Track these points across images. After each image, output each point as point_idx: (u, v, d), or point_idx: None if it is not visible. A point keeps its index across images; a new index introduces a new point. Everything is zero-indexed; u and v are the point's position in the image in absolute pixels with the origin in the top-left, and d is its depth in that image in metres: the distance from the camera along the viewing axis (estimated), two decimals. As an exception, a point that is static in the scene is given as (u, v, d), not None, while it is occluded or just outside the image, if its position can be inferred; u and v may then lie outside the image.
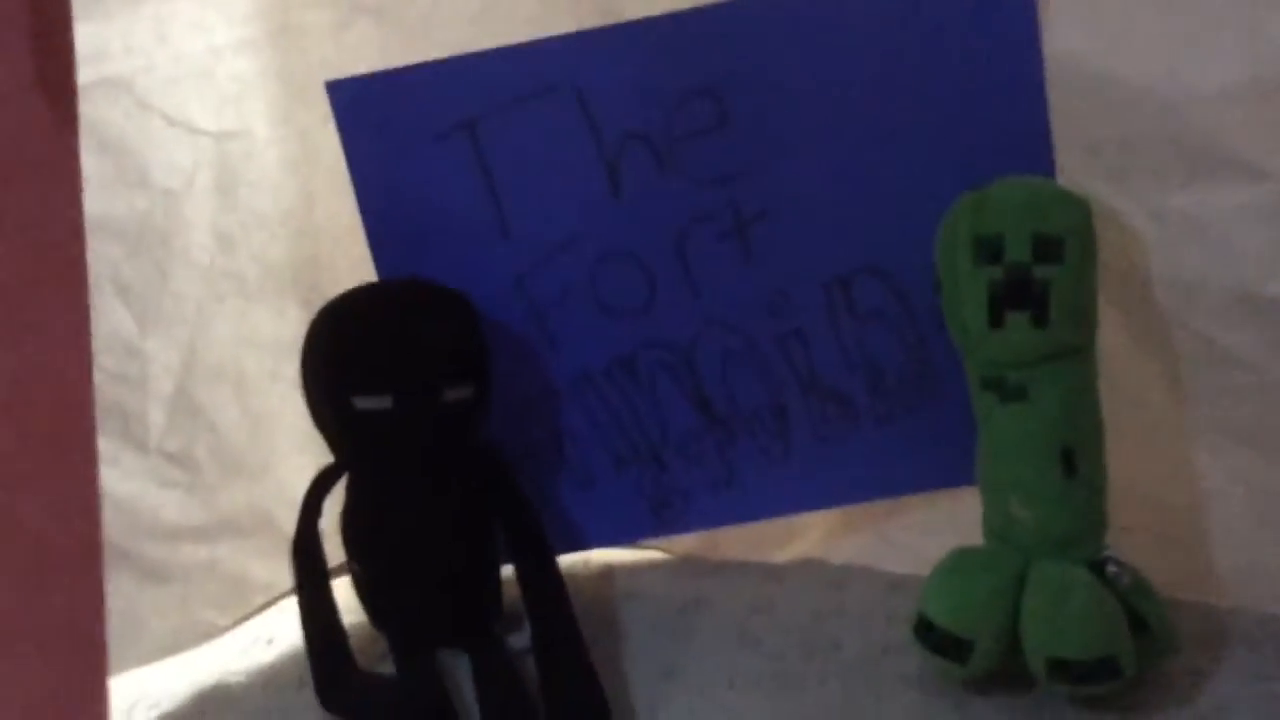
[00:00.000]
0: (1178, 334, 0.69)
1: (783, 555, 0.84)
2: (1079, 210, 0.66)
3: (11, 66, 0.23)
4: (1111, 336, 0.69)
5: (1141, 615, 0.64)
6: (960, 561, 0.68)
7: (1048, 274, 0.65)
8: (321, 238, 0.77)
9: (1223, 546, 0.71)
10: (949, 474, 0.74)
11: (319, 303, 0.72)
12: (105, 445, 0.73)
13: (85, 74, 0.68)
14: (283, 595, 0.81)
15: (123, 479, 0.74)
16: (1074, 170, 0.69)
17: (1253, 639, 0.69)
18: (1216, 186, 0.65)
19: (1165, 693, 0.65)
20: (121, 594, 0.74)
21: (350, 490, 0.73)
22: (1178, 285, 0.68)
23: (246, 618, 0.81)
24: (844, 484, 0.79)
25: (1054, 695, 0.65)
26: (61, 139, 0.27)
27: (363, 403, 0.69)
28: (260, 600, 0.82)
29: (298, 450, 0.78)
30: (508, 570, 0.76)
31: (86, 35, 0.67)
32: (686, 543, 0.84)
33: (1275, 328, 0.65)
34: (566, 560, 0.80)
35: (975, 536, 0.69)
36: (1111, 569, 0.65)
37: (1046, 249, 0.65)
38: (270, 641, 0.78)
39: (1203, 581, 0.72)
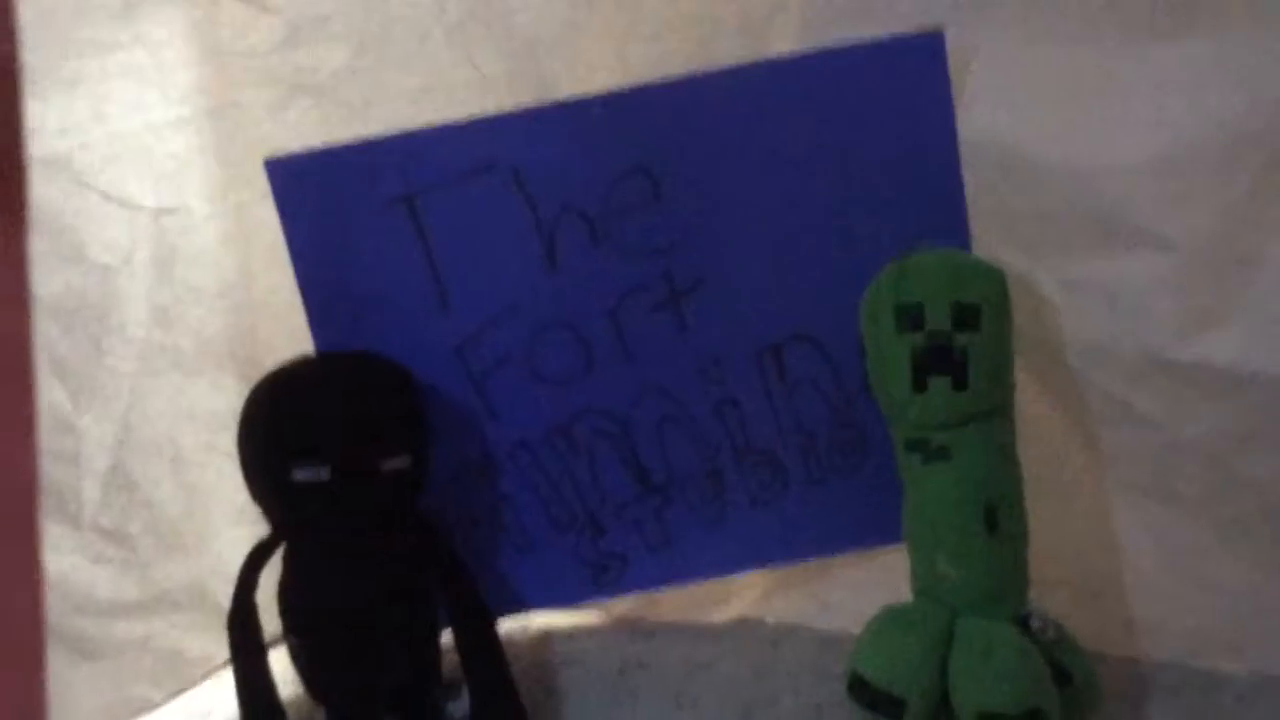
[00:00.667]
0: (1091, 395, 0.72)
1: (720, 615, 0.85)
2: (994, 279, 0.69)
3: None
4: (1029, 399, 0.72)
5: (1066, 668, 0.66)
6: (890, 619, 0.70)
7: (966, 340, 0.68)
8: (259, 312, 0.78)
9: (1140, 600, 0.74)
10: (879, 533, 0.76)
11: (256, 376, 0.72)
12: (40, 522, 0.73)
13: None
14: (219, 668, 0.80)
15: (57, 556, 0.73)
16: (989, 241, 0.72)
17: (1173, 689, 0.72)
18: (1124, 255, 0.69)
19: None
20: (56, 672, 0.73)
21: (287, 562, 0.73)
22: (1089, 349, 0.71)
23: (183, 692, 0.80)
24: (778, 545, 0.81)
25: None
26: (7, 220, 0.27)
27: (301, 474, 0.69)
28: (197, 674, 0.81)
29: (234, 523, 0.78)
30: (447, 637, 0.76)
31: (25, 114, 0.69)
32: (624, 605, 0.85)
33: (1182, 390, 0.69)
34: (505, 625, 0.80)
35: (905, 593, 0.71)
36: (1035, 623, 0.67)
37: (964, 316, 0.68)
38: (207, 716, 0.78)
39: (1122, 634, 0.74)
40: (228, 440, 0.73)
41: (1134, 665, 0.73)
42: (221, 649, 0.73)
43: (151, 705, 0.79)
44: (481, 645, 0.73)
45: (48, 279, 0.71)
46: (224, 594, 0.72)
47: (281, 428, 0.71)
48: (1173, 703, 0.70)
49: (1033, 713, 0.64)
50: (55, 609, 0.71)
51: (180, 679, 0.80)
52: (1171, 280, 0.68)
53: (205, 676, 0.81)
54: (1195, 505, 0.70)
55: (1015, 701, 0.64)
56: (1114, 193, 0.68)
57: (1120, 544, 0.74)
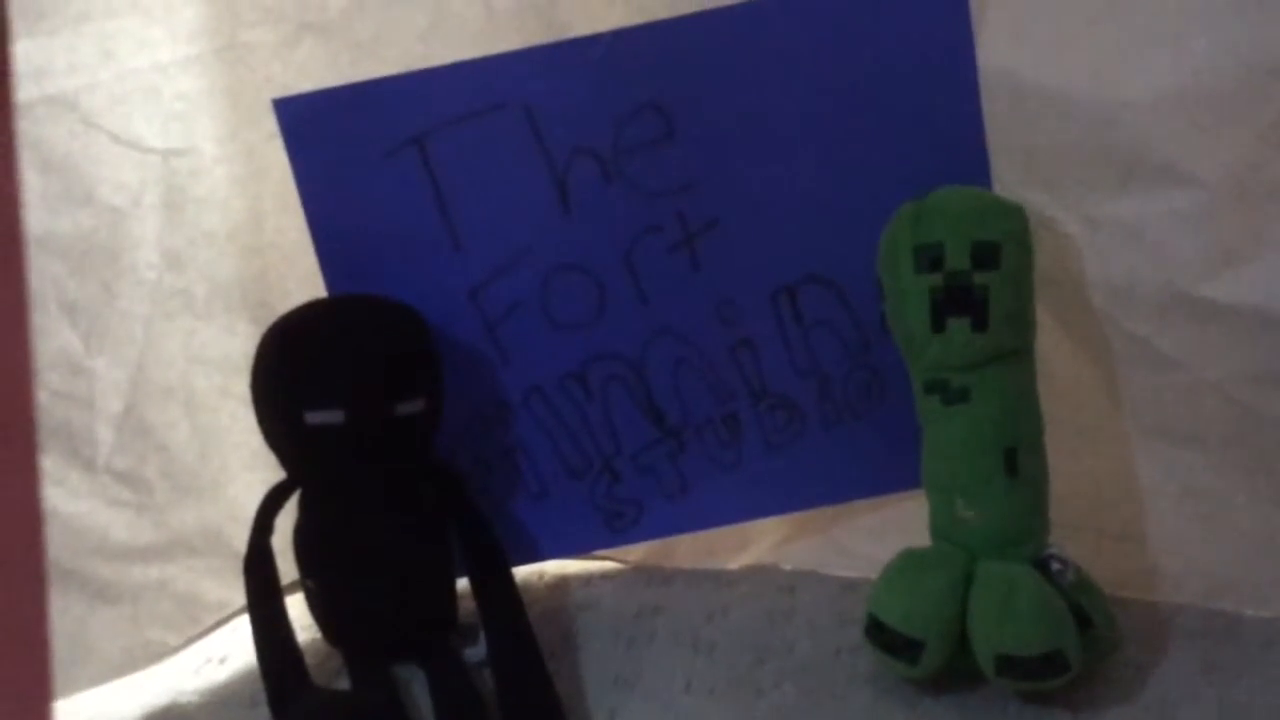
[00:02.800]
0: (1113, 336, 0.71)
1: (735, 562, 0.84)
2: (1015, 217, 0.68)
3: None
4: (1050, 340, 0.71)
5: (1085, 611, 0.66)
6: (908, 563, 0.69)
7: (986, 280, 0.66)
8: (270, 254, 0.77)
9: (1161, 543, 0.73)
10: (897, 478, 0.76)
11: (268, 319, 0.72)
12: (52, 464, 0.72)
13: (28, 91, 0.68)
14: (235, 614, 0.81)
15: (70, 498, 0.73)
16: (1010, 179, 0.71)
17: (1193, 633, 0.71)
18: (1147, 192, 0.67)
19: (1111, 687, 0.67)
20: (70, 615, 0.73)
21: (302, 506, 0.73)
22: (1112, 289, 0.70)
23: (198, 637, 0.80)
24: (794, 490, 0.80)
25: (1003, 691, 0.66)
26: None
27: (314, 417, 0.69)
28: (212, 619, 0.81)
29: (249, 467, 0.78)
30: (463, 583, 0.76)
31: (29, 52, 0.68)
32: (640, 552, 0.85)
33: (1206, 329, 0.67)
34: (521, 572, 0.80)
35: (923, 538, 0.71)
36: (1055, 566, 0.67)
37: (984, 256, 0.67)
38: (223, 660, 0.78)
39: (1144, 578, 0.74)
40: (241, 385, 0.73)
41: (1154, 609, 0.73)
42: (237, 594, 0.74)
43: (168, 649, 0.79)
44: (497, 590, 0.73)
45: (55, 220, 0.70)
46: (240, 538, 0.73)
47: (294, 372, 0.70)
48: (1193, 646, 0.70)
49: (1052, 655, 0.63)
50: (69, 552, 0.71)
51: (196, 624, 0.81)
52: (1196, 217, 0.66)
53: (222, 621, 0.81)
54: (1218, 447, 0.69)
55: (1034, 644, 0.64)
56: (1137, 128, 0.66)
57: (1141, 487, 0.73)
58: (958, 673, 0.67)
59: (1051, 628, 0.64)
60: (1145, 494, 0.73)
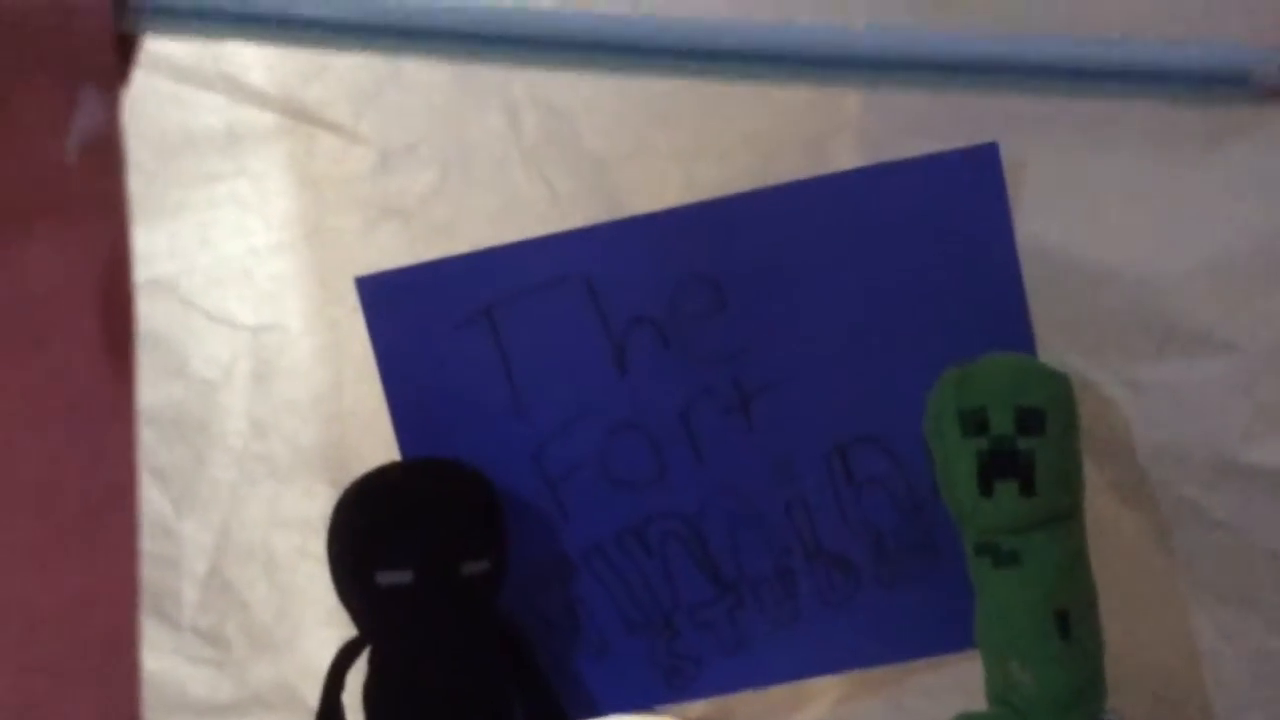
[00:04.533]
0: (1163, 499, 0.72)
1: (794, 721, 0.85)
2: (1058, 383, 0.70)
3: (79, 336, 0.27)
4: (1100, 502, 0.72)
5: (1143, 779, 0.65)
6: (965, 728, 0.70)
7: (1031, 444, 0.68)
8: (349, 421, 0.82)
9: (1220, 707, 0.72)
10: (954, 638, 0.76)
11: (345, 483, 0.76)
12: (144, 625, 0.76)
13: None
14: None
15: (156, 657, 0.76)
16: (1053, 346, 0.73)
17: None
18: (1187, 358, 0.69)
19: None
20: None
21: (372, 664, 0.76)
22: (1159, 452, 0.71)
23: (271, 792, 0.83)
24: (851, 648, 0.81)
25: None
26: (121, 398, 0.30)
27: (384, 578, 0.72)
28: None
29: (323, 624, 0.81)
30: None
31: (134, 239, 0.74)
32: (698, 709, 0.86)
33: (1254, 493, 0.68)
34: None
35: (982, 699, 0.71)
36: (1112, 733, 0.67)
37: (1028, 420, 0.68)
38: (294, 816, 0.80)
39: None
40: (318, 544, 0.77)
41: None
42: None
43: (243, 804, 0.81)
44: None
45: (150, 392, 0.76)
46: (313, 695, 0.75)
47: (366, 533, 0.74)
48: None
49: (1110, 824, 0.63)
50: (151, 708, 0.75)
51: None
52: (1237, 381, 0.68)
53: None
54: (1272, 610, 0.69)
55: (1092, 812, 0.63)
56: (1173, 296, 0.68)
57: (1198, 650, 0.72)
58: (1017, 842, 0.67)
59: (1109, 797, 0.64)
60: (1202, 656, 0.72)
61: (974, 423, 0.70)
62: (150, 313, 0.76)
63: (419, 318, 0.79)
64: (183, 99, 0.76)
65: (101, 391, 0.27)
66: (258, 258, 0.78)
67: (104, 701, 0.30)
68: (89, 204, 0.28)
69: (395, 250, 0.79)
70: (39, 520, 0.27)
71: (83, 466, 0.28)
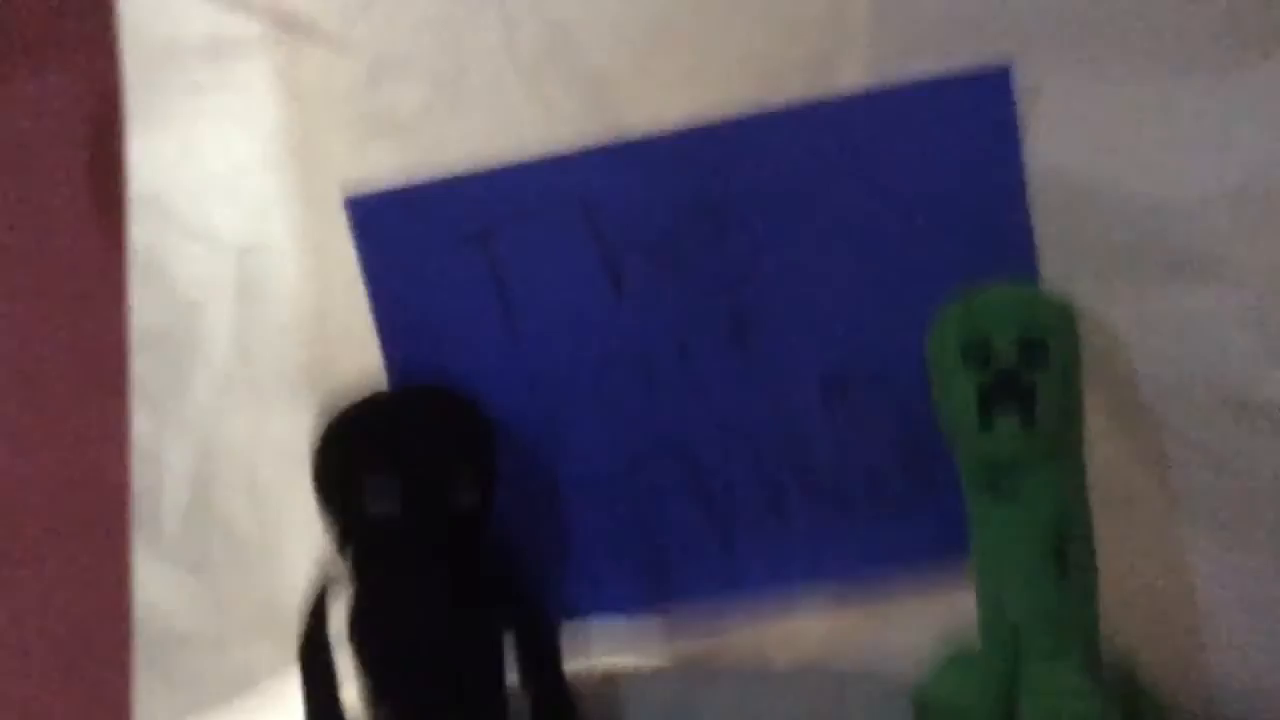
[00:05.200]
0: (1165, 435, 0.71)
1: (781, 659, 0.84)
2: (1063, 313, 0.69)
3: (68, 189, 0.25)
4: (1100, 437, 0.71)
5: (1137, 713, 0.65)
6: (954, 664, 0.69)
7: (1034, 376, 0.67)
8: (335, 345, 0.80)
9: (1214, 646, 0.71)
10: (946, 572, 0.75)
11: (332, 407, 0.74)
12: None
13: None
14: (291, 695, 0.82)
15: (138, 582, 0.75)
16: (1059, 275, 0.72)
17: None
18: (1198, 290, 0.68)
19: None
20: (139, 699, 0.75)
21: (356, 595, 0.75)
22: (1163, 387, 0.70)
23: (255, 714, 0.82)
24: (842, 578, 0.80)
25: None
26: (110, 257, 0.29)
27: (371, 507, 0.71)
28: (273, 701, 0.82)
29: (310, 554, 0.80)
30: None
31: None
32: (687, 648, 0.85)
33: (1258, 430, 0.67)
34: (571, 668, 0.80)
35: (973, 634, 0.70)
36: (1106, 669, 0.66)
37: (1032, 352, 0.67)
38: (277, 741, 0.79)
39: (1195, 681, 0.72)
40: (304, 470, 0.75)
41: (1207, 710, 0.71)
42: (293, 672, 0.75)
43: (225, 729, 0.80)
44: (549, 687, 0.74)
45: (139, 314, 0.74)
46: (298, 622, 0.74)
47: (353, 461, 0.72)
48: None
49: (1103, 757, 0.62)
50: (135, 633, 0.74)
51: (257, 705, 0.82)
52: (1246, 315, 0.66)
53: (278, 701, 0.82)
54: (1273, 550, 0.68)
55: (1085, 746, 0.63)
56: (1185, 224, 0.67)
57: (1195, 588, 0.72)
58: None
59: (1102, 731, 0.63)
60: (1198, 595, 0.71)
61: (977, 353, 0.68)
62: (137, 230, 0.74)
63: (411, 240, 0.77)
64: (168, 7, 0.73)
65: (89, 245, 0.25)
66: (244, 174, 0.76)
67: (91, 586, 0.28)
68: (77, 43, 0.26)
69: (385, 168, 0.77)
70: (25, 396, 0.25)
71: (70, 339, 0.26)
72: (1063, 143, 0.70)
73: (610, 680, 0.84)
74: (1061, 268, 0.71)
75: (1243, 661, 0.71)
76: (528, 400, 0.79)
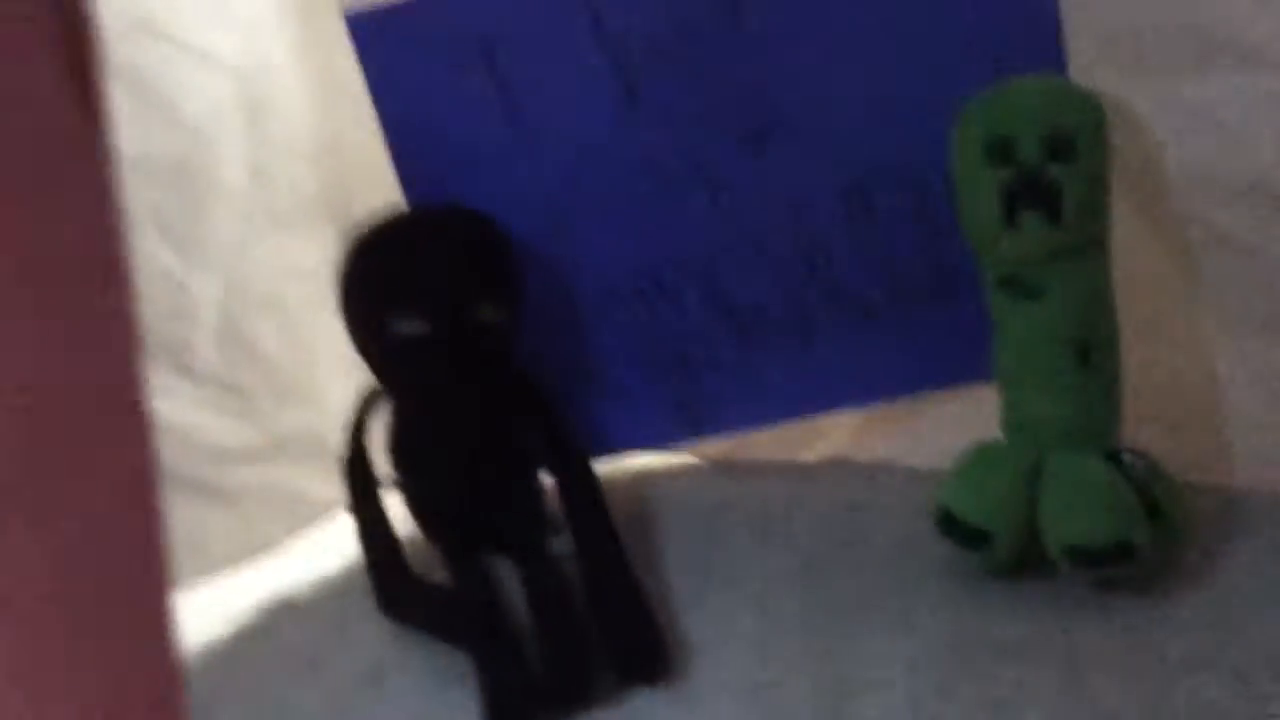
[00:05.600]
0: (1190, 223, 0.70)
1: (810, 455, 0.86)
2: (1089, 107, 0.67)
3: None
4: (1124, 228, 0.70)
5: (1156, 501, 0.66)
6: (979, 456, 0.70)
7: (1060, 172, 0.65)
8: (350, 166, 0.79)
9: (1236, 431, 0.72)
10: (968, 370, 0.76)
11: (351, 229, 0.74)
12: (159, 377, 0.77)
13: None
14: (340, 510, 0.85)
15: (177, 408, 0.77)
16: (1086, 63, 0.69)
17: (1265, 520, 0.71)
18: (1227, 76, 0.65)
19: (1182, 574, 0.67)
20: (181, 516, 0.77)
21: (394, 411, 0.77)
22: (1190, 175, 0.68)
23: (305, 533, 0.85)
24: (867, 384, 0.81)
25: (1073, 581, 0.67)
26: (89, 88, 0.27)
27: (399, 327, 0.72)
28: (319, 515, 0.86)
29: (343, 373, 0.81)
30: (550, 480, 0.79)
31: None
32: (716, 447, 0.87)
33: (1274, 218, 0.66)
34: (602, 468, 0.83)
35: (996, 430, 0.71)
36: (1126, 457, 0.67)
37: (1058, 147, 0.65)
38: (331, 553, 0.82)
39: (1217, 467, 0.73)
40: (330, 297, 0.76)
41: (1227, 497, 0.72)
42: (340, 492, 0.78)
43: (278, 543, 0.84)
44: (580, 486, 0.76)
45: (142, 139, 0.73)
46: (340, 440, 0.76)
47: (377, 284, 0.73)
48: (1266, 534, 0.70)
49: (1120, 546, 0.64)
50: (177, 458, 0.76)
51: (303, 519, 0.85)
52: (1274, 101, 0.64)
53: (327, 517, 0.86)
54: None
55: (1103, 535, 0.64)
56: (1219, 10, 0.64)
57: (1216, 376, 0.72)
58: (1029, 563, 0.69)
59: (1120, 518, 0.64)
60: (1220, 382, 0.72)
61: (1001, 151, 0.67)
62: (130, 52, 0.72)
63: (415, 56, 0.75)
64: None
65: (69, 129, 0.25)
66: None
67: (114, 460, 0.29)
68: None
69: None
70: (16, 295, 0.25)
71: (58, 233, 0.25)
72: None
73: (642, 479, 0.86)
74: (1088, 55, 0.69)
75: (1258, 435, 0.72)
76: (542, 216, 0.78)
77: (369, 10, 0.73)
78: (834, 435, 0.86)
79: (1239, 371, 0.71)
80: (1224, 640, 0.61)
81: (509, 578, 0.75)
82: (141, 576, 0.30)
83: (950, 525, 0.69)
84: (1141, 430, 0.69)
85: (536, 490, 0.79)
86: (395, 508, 0.78)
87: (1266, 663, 0.59)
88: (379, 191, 0.78)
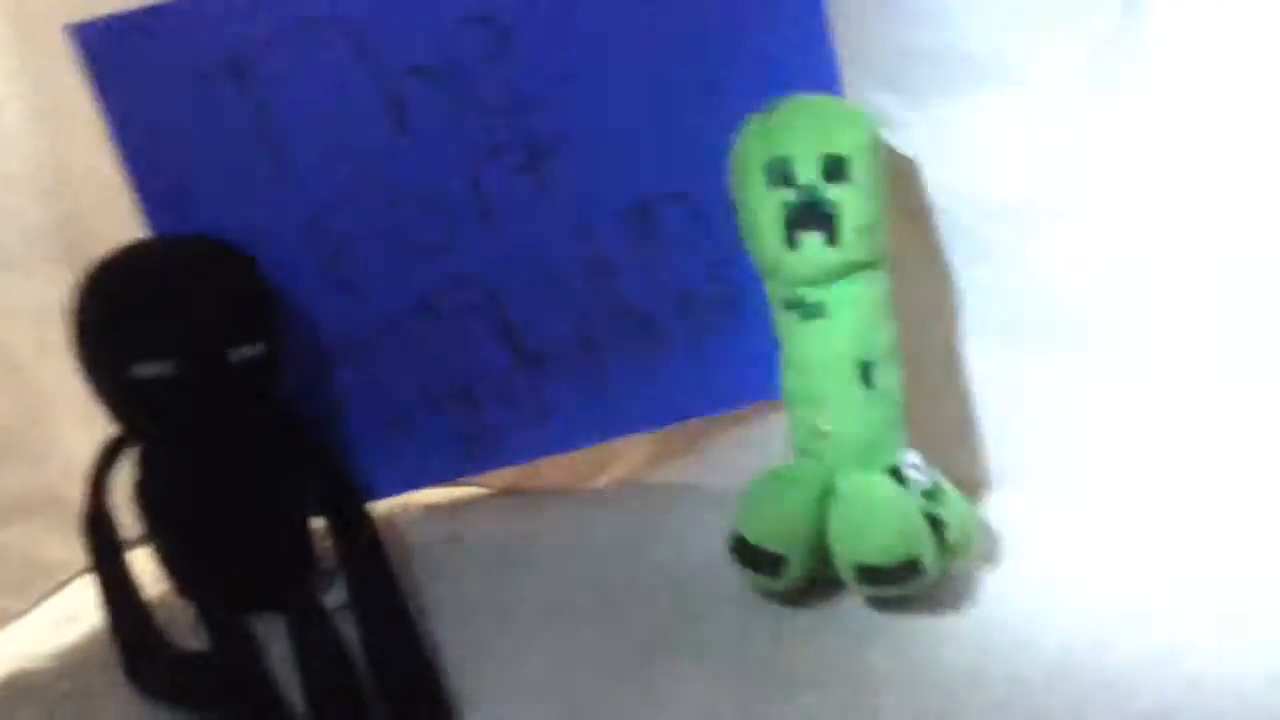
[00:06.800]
0: (954, 237, 0.71)
1: (603, 480, 0.84)
2: (864, 128, 0.67)
3: None
4: (900, 245, 0.71)
5: (939, 515, 0.67)
6: (770, 479, 0.70)
7: (837, 194, 0.66)
8: (81, 195, 0.71)
9: (1003, 441, 0.74)
10: (758, 391, 0.75)
11: (85, 265, 0.67)
12: None
13: None
14: (80, 573, 0.77)
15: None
16: (860, 84, 0.70)
17: (1039, 526, 0.73)
18: (986, 95, 0.67)
19: (966, 586, 0.68)
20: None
21: (141, 461, 0.70)
22: (953, 192, 0.70)
23: (44, 599, 0.77)
24: (659, 406, 0.79)
25: (864, 599, 0.67)
26: None
27: (142, 370, 0.65)
28: (56, 581, 0.77)
29: (79, 424, 0.74)
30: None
31: None
32: (505, 477, 0.84)
33: (1031, 230, 0.68)
34: (385, 505, 0.78)
35: (786, 449, 0.71)
36: (912, 474, 0.68)
37: (834, 169, 0.66)
38: (73, 620, 0.74)
39: (989, 476, 0.75)
40: (62, 337, 0.68)
41: (1004, 510, 0.74)
42: (80, 553, 0.70)
43: (14, 614, 0.75)
44: (353, 532, 0.71)
45: None
46: (77, 497, 0.69)
47: (116, 323, 0.66)
48: (1042, 540, 0.72)
49: (909, 563, 0.64)
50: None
51: (40, 586, 0.77)
52: (1030, 120, 0.66)
53: (65, 582, 0.78)
54: (1055, 350, 0.71)
55: (892, 553, 0.64)
56: (978, 32, 0.65)
57: (989, 392, 0.74)
58: (821, 583, 0.68)
59: (907, 537, 0.65)
60: (981, 393, 0.74)
61: (779, 173, 0.66)
62: None
63: (154, 72, 0.69)
64: None
65: None
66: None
67: None
68: None
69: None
70: None
71: None
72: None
73: (428, 515, 0.82)
74: (862, 81, 0.69)
75: (1019, 444, 0.74)
76: (307, 244, 0.73)
77: (97, 22, 0.66)
78: (625, 460, 0.84)
79: (1004, 382, 0.73)
80: (1003, 650, 0.62)
81: (275, 636, 0.69)
82: None
83: (744, 550, 0.68)
84: (918, 443, 0.70)
85: (305, 537, 0.73)
86: (141, 567, 0.71)
87: (1043, 670, 0.60)
88: (116, 223, 0.70)
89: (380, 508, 0.75)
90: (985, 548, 0.71)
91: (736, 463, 0.75)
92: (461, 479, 0.83)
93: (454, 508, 0.83)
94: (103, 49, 0.67)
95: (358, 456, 0.77)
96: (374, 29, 0.69)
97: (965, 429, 0.75)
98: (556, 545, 0.77)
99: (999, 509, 0.74)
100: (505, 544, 0.78)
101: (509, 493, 0.84)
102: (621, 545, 0.76)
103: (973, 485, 0.74)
